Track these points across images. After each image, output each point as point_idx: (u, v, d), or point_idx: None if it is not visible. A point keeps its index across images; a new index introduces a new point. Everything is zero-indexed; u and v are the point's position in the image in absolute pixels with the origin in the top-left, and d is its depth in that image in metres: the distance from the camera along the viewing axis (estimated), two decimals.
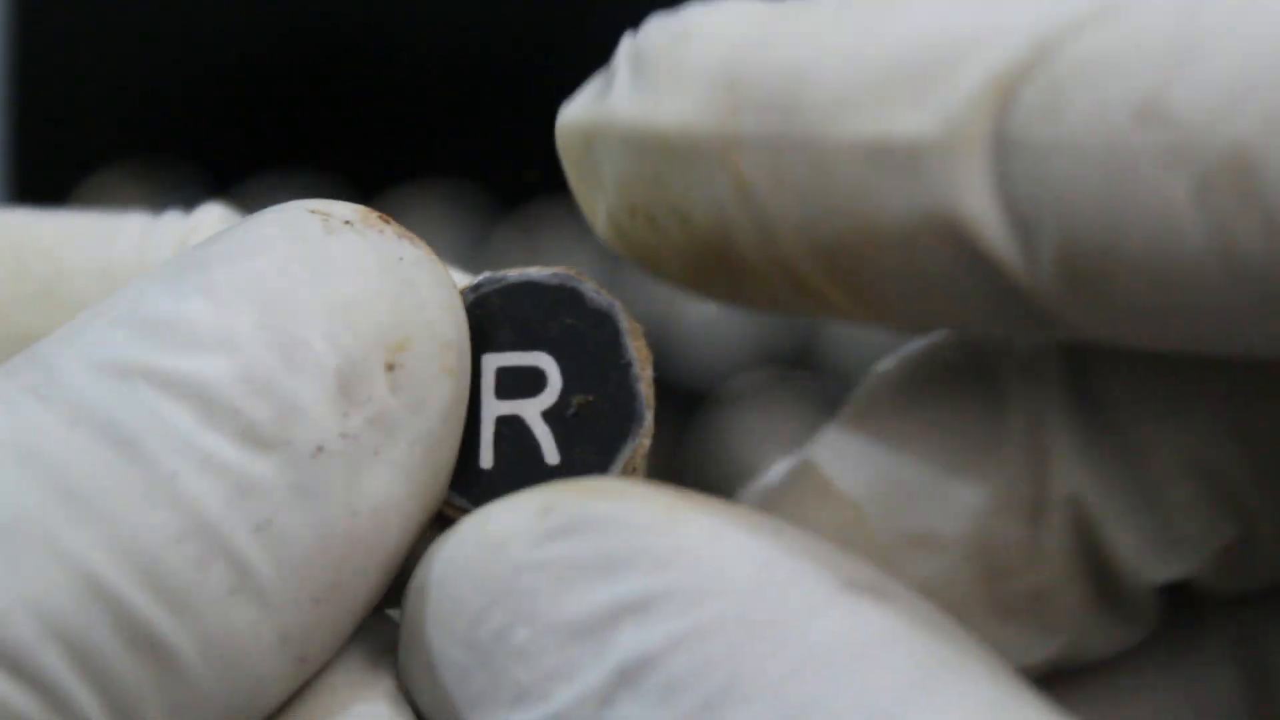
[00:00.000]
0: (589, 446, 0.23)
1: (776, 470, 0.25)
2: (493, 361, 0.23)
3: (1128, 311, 0.20)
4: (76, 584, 0.20)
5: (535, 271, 0.25)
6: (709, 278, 0.23)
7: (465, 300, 0.24)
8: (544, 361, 0.23)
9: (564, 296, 0.24)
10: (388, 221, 0.23)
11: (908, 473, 0.24)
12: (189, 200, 0.65)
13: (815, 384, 0.64)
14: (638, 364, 0.23)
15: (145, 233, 0.28)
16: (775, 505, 0.25)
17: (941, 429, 0.24)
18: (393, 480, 0.21)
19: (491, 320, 0.24)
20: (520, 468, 0.23)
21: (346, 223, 0.22)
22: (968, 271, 0.21)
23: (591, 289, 0.24)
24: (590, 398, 0.23)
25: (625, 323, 0.23)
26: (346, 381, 0.21)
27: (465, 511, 0.22)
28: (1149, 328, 0.20)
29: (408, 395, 0.21)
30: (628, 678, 0.20)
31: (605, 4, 0.64)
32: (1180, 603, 0.24)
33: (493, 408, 0.23)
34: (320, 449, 0.21)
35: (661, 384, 0.69)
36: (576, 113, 0.24)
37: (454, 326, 0.22)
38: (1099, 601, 0.24)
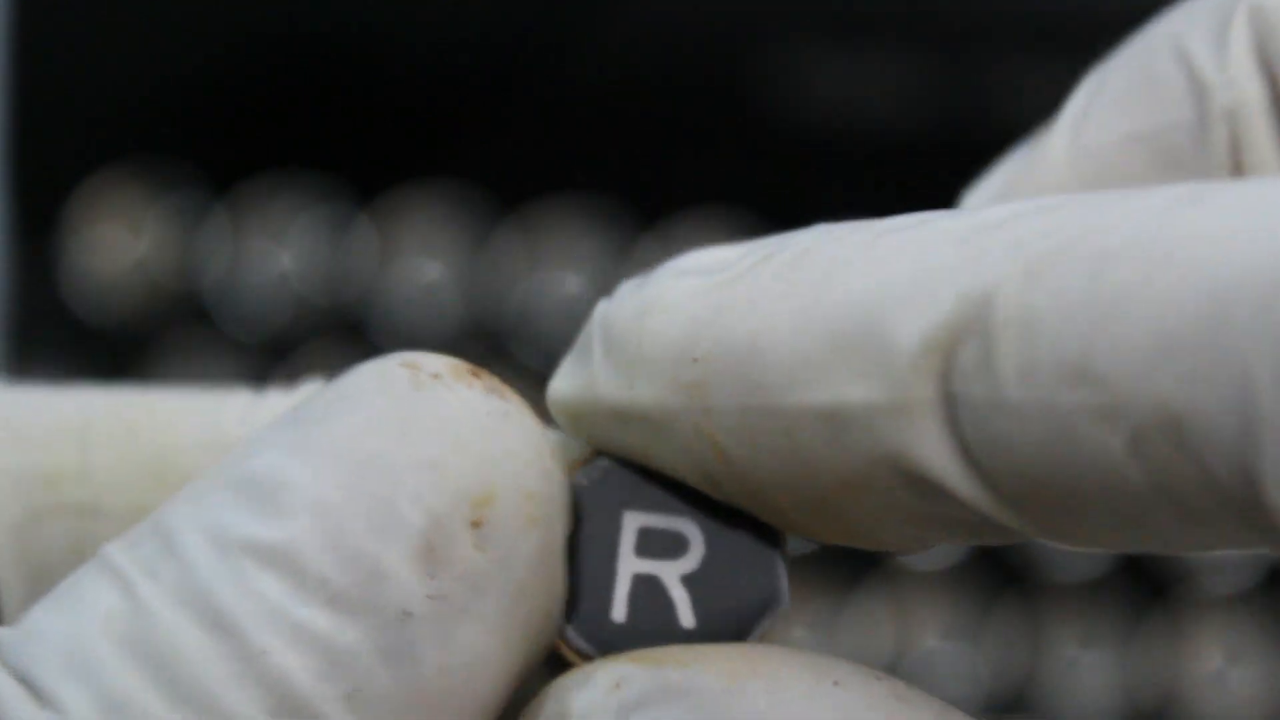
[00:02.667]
0: (726, 617, 0.23)
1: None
2: (635, 520, 0.23)
3: (1091, 535, 0.21)
4: None
5: None
6: None
7: (610, 456, 0.24)
8: (688, 529, 0.23)
9: None
10: (478, 375, 0.23)
11: None
12: (189, 200, 0.66)
13: None
14: (784, 544, 0.23)
15: (251, 405, 0.29)
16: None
17: None
18: (482, 635, 0.21)
19: (637, 478, 0.24)
20: (654, 627, 0.23)
21: (435, 376, 0.22)
22: (938, 510, 0.21)
23: None
24: (733, 571, 0.23)
25: None
26: (432, 543, 0.21)
27: (588, 659, 0.23)
28: (1114, 544, 0.21)
29: (494, 551, 0.21)
30: None
31: (605, 4, 0.64)
32: None
33: (630, 564, 0.23)
34: (407, 613, 0.21)
35: None
36: (563, 390, 0.24)
37: (540, 477, 0.22)
38: None
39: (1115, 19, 0.68)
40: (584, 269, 0.64)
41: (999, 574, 0.64)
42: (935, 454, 0.21)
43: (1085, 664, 0.64)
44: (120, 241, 0.64)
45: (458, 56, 0.64)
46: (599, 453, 0.24)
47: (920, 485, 0.21)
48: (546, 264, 0.64)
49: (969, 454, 0.21)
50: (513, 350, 0.64)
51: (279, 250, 0.64)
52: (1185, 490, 0.19)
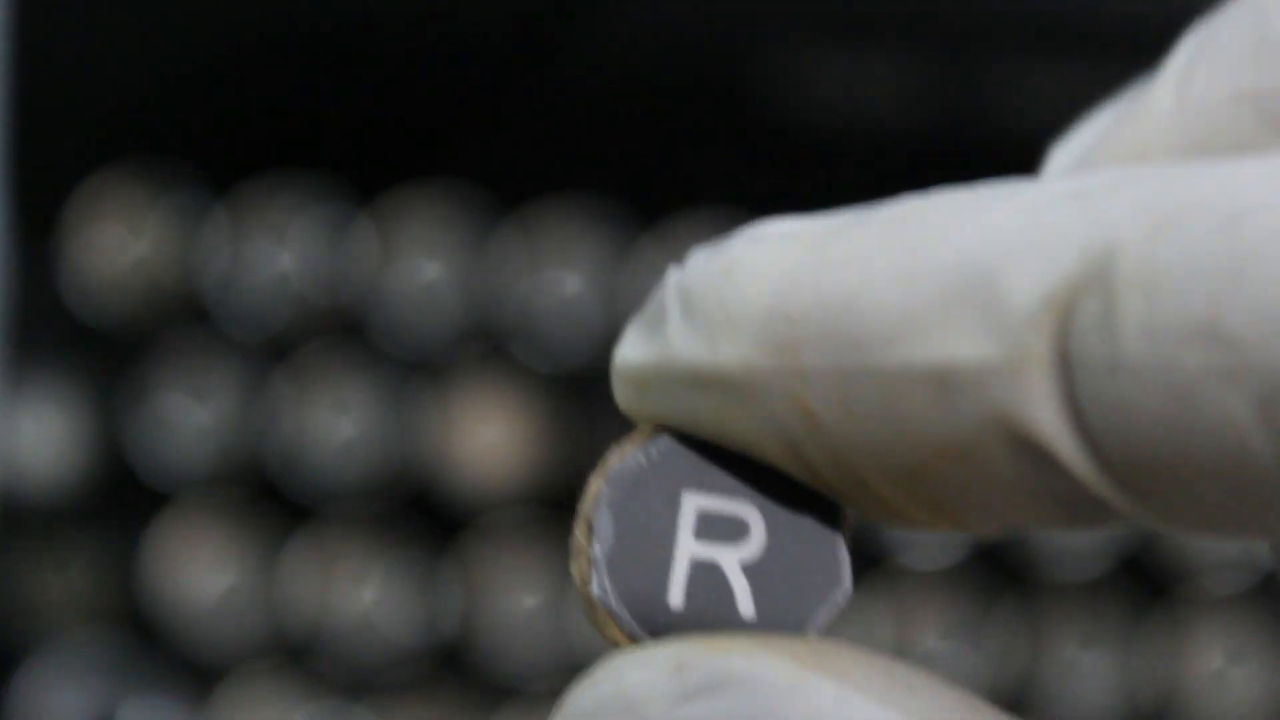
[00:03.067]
0: (786, 605, 0.22)
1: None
2: (694, 501, 0.23)
3: (1200, 515, 0.20)
4: None
5: None
6: None
7: (671, 434, 0.23)
8: (749, 514, 0.23)
9: None
10: None
11: None
12: (189, 200, 0.66)
13: None
14: (847, 534, 0.23)
15: None
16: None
17: None
18: None
19: (698, 457, 0.23)
20: (711, 614, 0.22)
21: None
22: (1041, 482, 0.20)
23: None
24: (794, 558, 0.23)
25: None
26: None
27: (637, 641, 0.22)
28: (1227, 525, 0.20)
29: None
30: None
31: (605, 4, 0.64)
32: None
33: (688, 548, 0.22)
34: None
35: None
36: (632, 356, 0.23)
37: None
38: None
39: (1116, 19, 0.68)
40: (584, 269, 0.64)
41: (999, 574, 0.65)
42: (1046, 416, 0.20)
43: (1085, 664, 0.64)
44: (120, 241, 0.64)
45: (458, 56, 0.64)
46: (658, 429, 0.23)
47: (1027, 450, 0.20)
48: (546, 264, 0.64)
49: (1081, 418, 0.20)
50: (513, 350, 0.64)
51: (279, 250, 0.64)
52: None
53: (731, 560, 0.22)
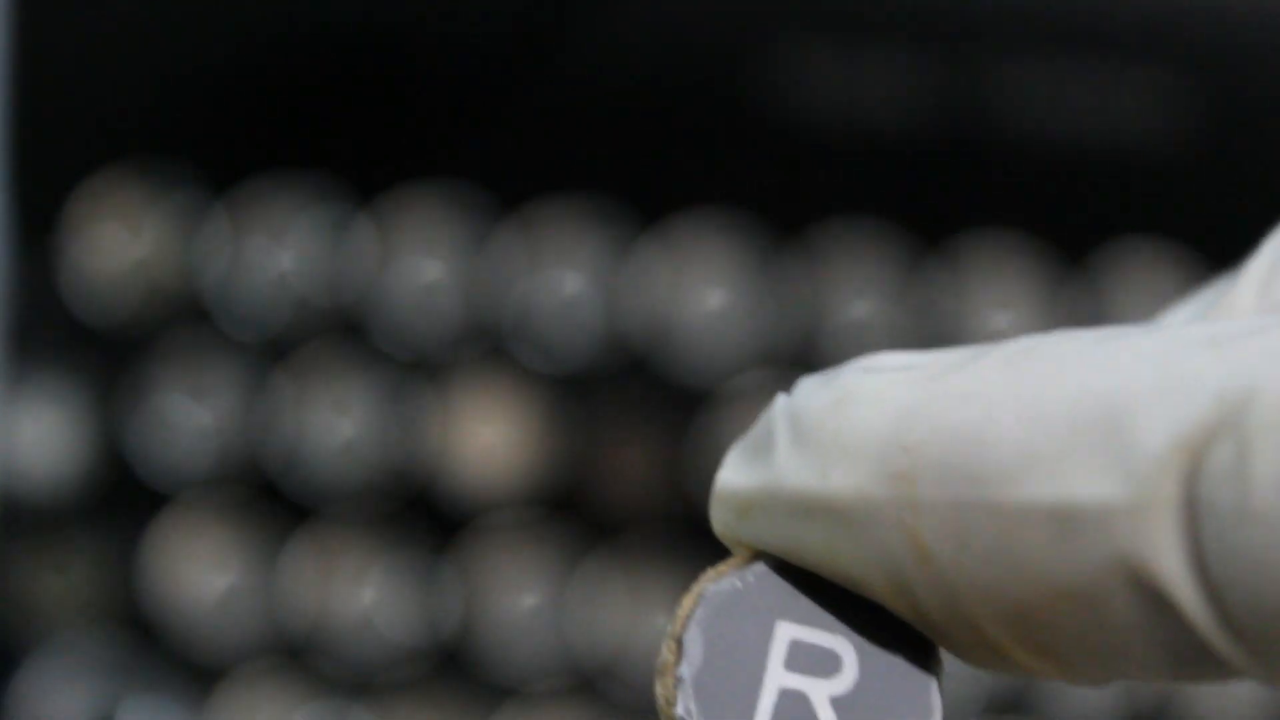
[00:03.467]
0: None
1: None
2: (788, 631, 0.22)
3: None
4: None
5: None
6: None
7: (768, 561, 0.22)
8: (842, 647, 0.22)
9: None
10: None
11: None
12: (189, 200, 0.66)
13: None
14: (940, 676, 0.22)
15: None
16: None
17: None
18: None
19: (794, 586, 0.22)
20: None
21: None
22: (1157, 631, 0.20)
23: None
24: (885, 697, 0.22)
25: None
26: None
27: None
28: None
29: None
30: None
31: (606, 4, 0.64)
32: None
33: (778, 677, 0.22)
34: None
35: (662, 384, 0.69)
36: (735, 481, 0.23)
37: None
38: None
39: (1116, 19, 0.68)
40: (584, 269, 0.64)
41: None
42: (1170, 561, 0.19)
43: None
44: (120, 241, 0.64)
45: (458, 56, 0.64)
46: (756, 555, 0.22)
47: (1147, 596, 0.20)
48: (546, 264, 0.64)
49: (1206, 566, 0.19)
50: (513, 350, 0.64)
51: (279, 250, 0.64)
52: None
53: (821, 694, 0.22)
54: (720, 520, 0.23)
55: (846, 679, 0.22)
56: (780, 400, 0.22)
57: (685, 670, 0.22)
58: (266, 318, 0.64)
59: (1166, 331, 0.21)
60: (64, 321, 0.64)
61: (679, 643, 0.22)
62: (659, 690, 0.22)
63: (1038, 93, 0.65)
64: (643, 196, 0.64)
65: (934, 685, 0.22)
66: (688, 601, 0.22)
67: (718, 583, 0.22)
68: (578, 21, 0.64)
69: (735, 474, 0.23)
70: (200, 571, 0.63)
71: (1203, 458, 0.19)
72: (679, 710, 0.22)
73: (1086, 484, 0.20)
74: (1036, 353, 0.21)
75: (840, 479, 0.21)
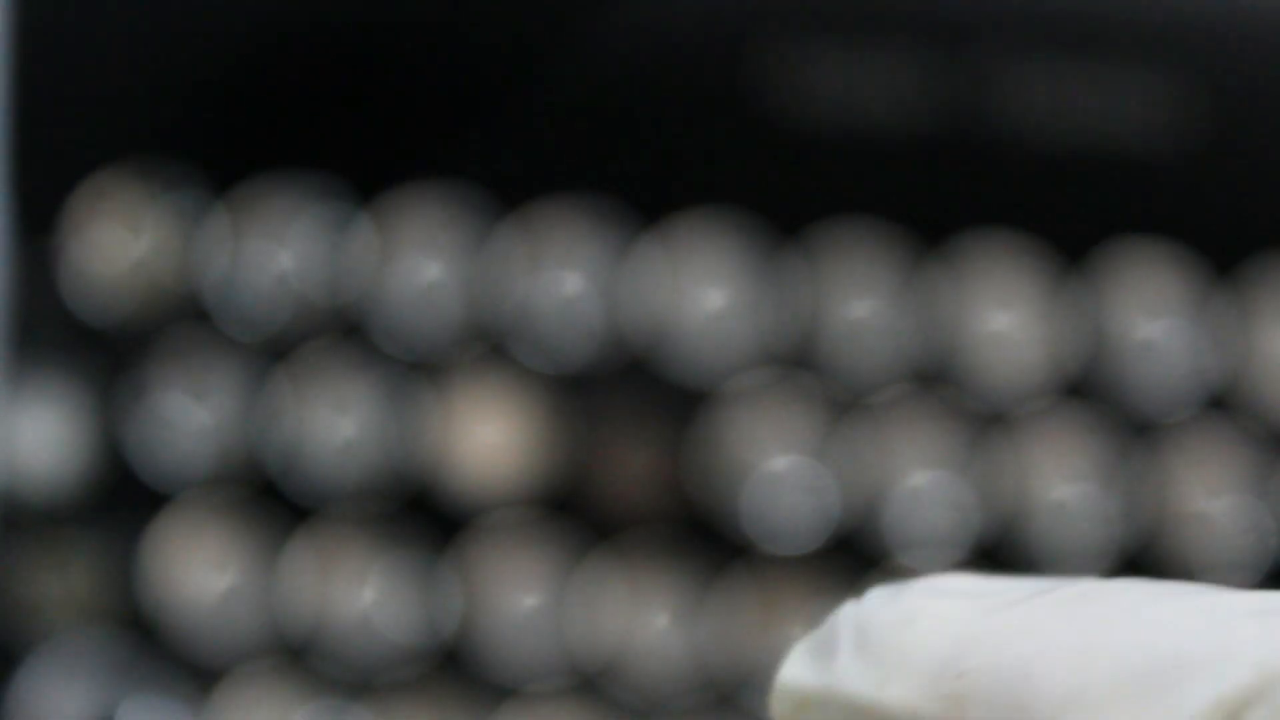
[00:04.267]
0: None
1: None
2: None
3: None
4: None
5: None
6: None
7: None
8: None
9: None
10: None
11: None
12: (189, 200, 0.65)
13: (815, 384, 0.64)
14: None
15: None
16: None
17: None
18: None
19: None
20: None
21: None
22: None
23: None
24: None
25: None
26: None
27: None
28: None
29: None
30: None
31: (606, 4, 0.64)
32: None
33: None
34: None
35: (662, 384, 0.69)
36: (800, 677, 0.24)
37: None
38: None
39: (1116, 19, 0.68)
40: (584, 269, 0.64)
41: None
42: None
43: None
44: (120, 241, 0.64)
45: (458, 56, 0.64)
46: None
47: None
48: (546, 264, 0.64)
49: None
50: (513, 350, 0.64)
51: (279, 250, 0.64)
52: None
53: None
54: (778, 711, 0.24)
55: None
56: (849, 607, 0.24)
57: None
58: (266, 318, 0.64)
59: (1223, 596, 0.22)
60: (64, 321, 0.64)
61: None
62: None
63: (1038, 93, 0.65)
64: (643, 196, 0.64)
65: None
66: None
67: None
68: (578, 22, 0.64)
69: (798, 669, 0.24)
70: (200, 571, 0.63)
71: (1238, 718, 0.21)
72: None
73: None
74: (1094, 599, 0.22)
75: (896, 691, 0.23)
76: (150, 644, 0.63)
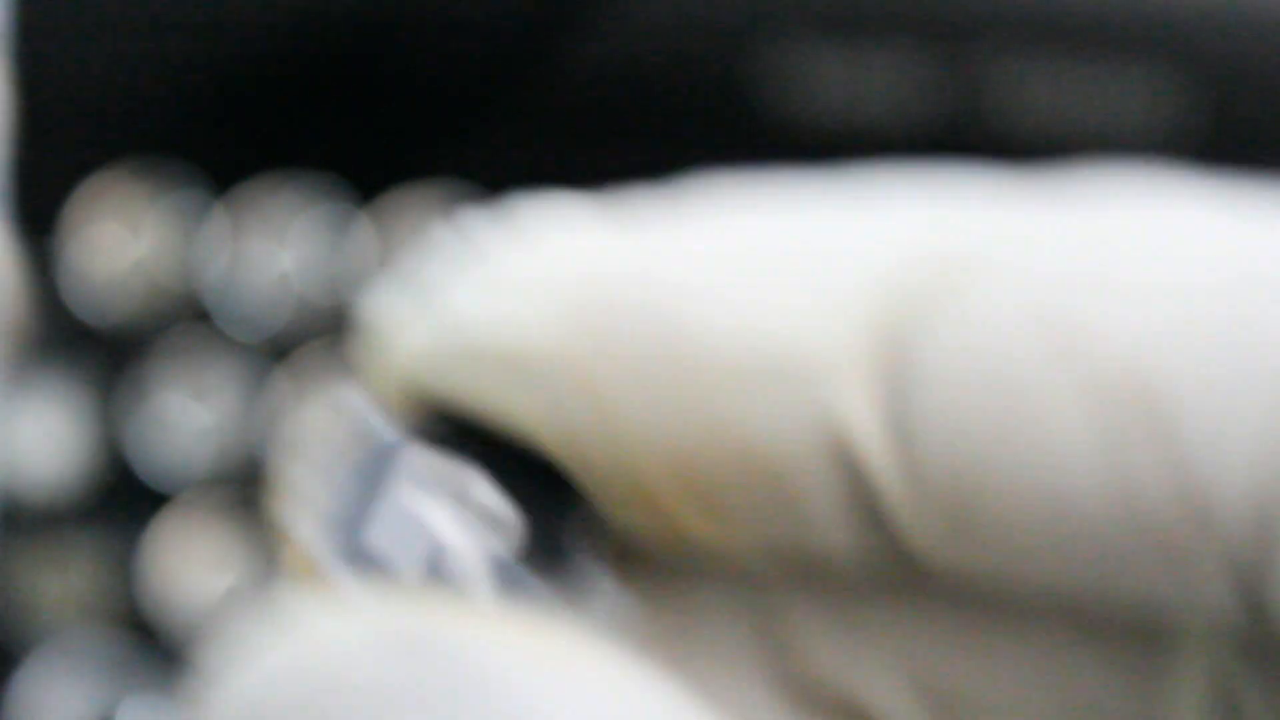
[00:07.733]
0: (523, 594, 0.20)
1: None
2: (427, 468, 0.21)
3: (1006, 542, 0.18)
4: None
5: None
6: None
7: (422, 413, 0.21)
8: (502, 508, 0.21)
9: None
10: None
11: None
12: (189, 200, 0.65)
13: None
14: (596, 534, 0.21)
15: None
16: None
17: None
18: None
19: (449, 429, 0.21)
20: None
21: None
22: (841, 495, 0.19)
23: None
24: (544, 561, 0.21)
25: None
26: None
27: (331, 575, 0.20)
28: (1026, 565, 0.18)
29: None
30: None
31: (606, 4, 0.64)
32: None
33: (434, 525, 0.20)
34: None
35: None
36: (394, 324, 0.21)
37: None
38: None
39: (1116, 19, 0.68)
40: None
41: None
42: (863, 416, 0.18)
43: None
44: (120, 241, 0.64)
45: (458, 56, 0.64)
46: (410, 398, 0.21)
47: (839, 458, 0.18)
48: None
49: (900, 421, 0.18)
50: None
51: (279, 250, 0.64)
52: (1152, 502, 0.17)
53: (477, 550, 0.20)
54: (374, 362, 0.21)
55: (505, 539, 0.20)
56: (449, 238, 0.21)
57: (319, 493, 0.21)
58: (266, 318, 0.64)
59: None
60: (64, 321, 0.64)
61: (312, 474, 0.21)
62: (281, 507, 0.21)
63: (1038, 92, 0.65)
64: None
65: (586, 542, 0.21)
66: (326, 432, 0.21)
67: (366, 425, 0.21)
68: (578, 22, 0.64)
69: (393, 315, 0.21)
70: (200, 571, 0.63)
71: (906, 304, 0.18)
72: (301, 529, 0.21)
73: (783, 339, 0.19)
74: (740, 207, 0.20)
75: (515, 326, 0.19)
76: (150, 644, 0.63)
